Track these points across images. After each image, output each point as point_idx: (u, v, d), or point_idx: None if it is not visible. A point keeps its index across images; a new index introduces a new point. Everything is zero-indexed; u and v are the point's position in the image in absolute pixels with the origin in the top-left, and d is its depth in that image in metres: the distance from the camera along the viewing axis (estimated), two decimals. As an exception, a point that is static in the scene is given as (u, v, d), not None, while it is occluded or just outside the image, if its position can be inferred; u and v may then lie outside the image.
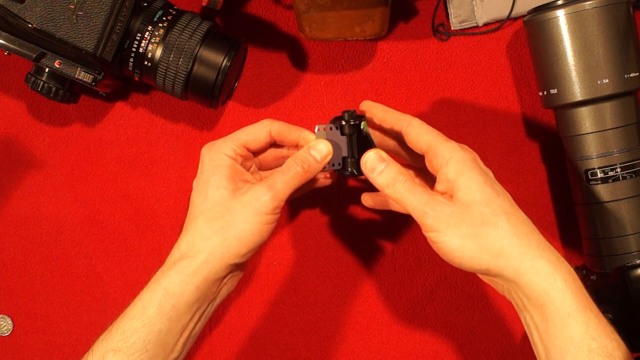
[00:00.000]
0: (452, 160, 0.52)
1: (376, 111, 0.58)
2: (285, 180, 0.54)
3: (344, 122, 0.57)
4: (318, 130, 0.57)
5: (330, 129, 0.57)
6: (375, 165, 0.54)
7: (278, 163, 0.59)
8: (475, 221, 0.51)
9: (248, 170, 0.58)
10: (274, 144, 0.59)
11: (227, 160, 0.55)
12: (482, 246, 0.50)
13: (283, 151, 0.60)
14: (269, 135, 0.57)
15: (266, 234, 0.54)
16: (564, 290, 0.49)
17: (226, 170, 0.54)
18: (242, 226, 0.53)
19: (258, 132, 0.57)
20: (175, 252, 0.54)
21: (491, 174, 0.54)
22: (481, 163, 0.54)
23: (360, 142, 0.57)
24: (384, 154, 0.55)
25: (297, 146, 0.58)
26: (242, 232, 0.53)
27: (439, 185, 0.53)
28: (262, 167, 0.60)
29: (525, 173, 0.69)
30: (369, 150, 0.55)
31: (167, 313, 0.52)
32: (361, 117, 0.57)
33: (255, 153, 0.58)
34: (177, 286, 0.52)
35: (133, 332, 0.51)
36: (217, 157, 0.55)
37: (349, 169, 0.57)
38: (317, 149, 0.56)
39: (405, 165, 0.60)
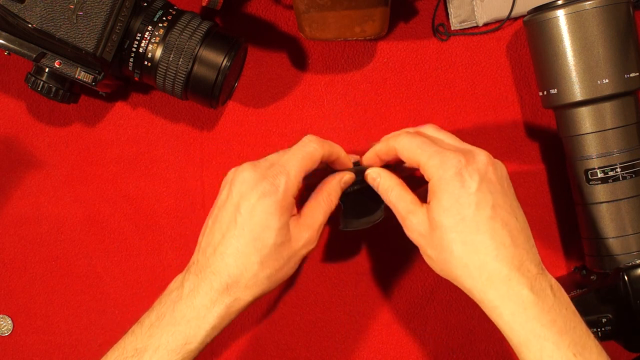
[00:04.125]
0: (431, 181, 0.54)
1: (380, 163, 0.60)
2: (325, 222, 0.57)
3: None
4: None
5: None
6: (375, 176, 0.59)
7: None
8: (436, 246, 0.54)
9: None
10: None
11: (293, 201, 0.55)
12: (442, 269, 0.55)
13: None
14: (320, 159, 0.57)
15: None
16: (511, 323, 0.51)
17: (289, 215, 0.55)
18: (290, 272, 0.56)
19: (315, 157, 0.56)
20: (216, 284, 0.53)
21: (474, 187, 0.52)
22: (467, 174, 0.52)
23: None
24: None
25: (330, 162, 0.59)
26: (287, 275, 0.56)
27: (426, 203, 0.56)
28: None
29: (525, 173, 0.69)
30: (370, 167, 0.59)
31: (205, 341, 0.54)
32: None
33: None
34: (222, 321, 0.54)
35: None
36: (286, 201, 0.54)
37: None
38: (346, 181, 0.59)
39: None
